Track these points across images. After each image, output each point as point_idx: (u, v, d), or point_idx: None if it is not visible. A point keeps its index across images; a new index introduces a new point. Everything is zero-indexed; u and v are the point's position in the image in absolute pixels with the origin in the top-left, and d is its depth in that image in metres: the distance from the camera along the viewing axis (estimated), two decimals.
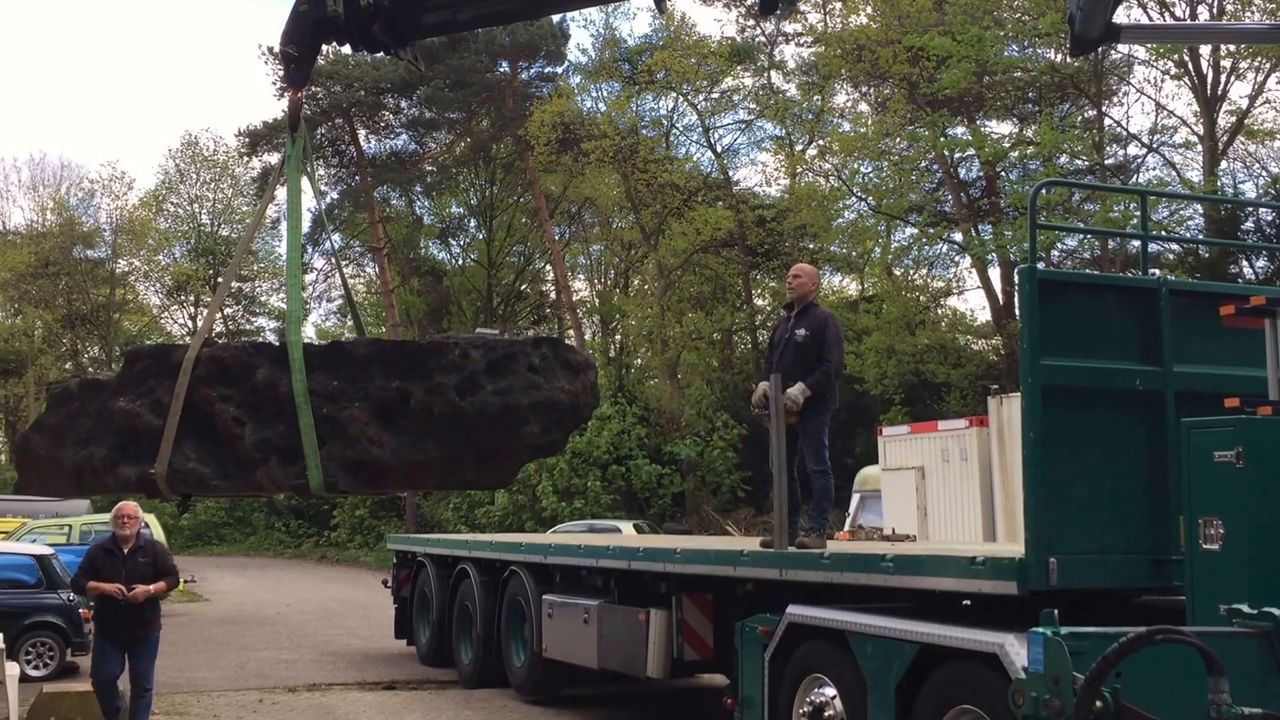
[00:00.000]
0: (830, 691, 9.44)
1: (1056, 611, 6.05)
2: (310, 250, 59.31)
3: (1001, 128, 40.54)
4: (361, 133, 58.03)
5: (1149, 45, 32.89)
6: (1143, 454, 8.42)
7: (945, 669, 8.10)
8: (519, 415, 6.33)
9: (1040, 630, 5.90)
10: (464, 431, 6.33)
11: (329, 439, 6.40)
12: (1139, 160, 38.42)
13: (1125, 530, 8.26)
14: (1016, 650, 7.03)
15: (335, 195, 57.97)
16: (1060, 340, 8.28)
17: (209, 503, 60.23)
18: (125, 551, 12.15)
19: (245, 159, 64.25)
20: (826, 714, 9.47)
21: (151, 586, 12.04)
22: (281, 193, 6.96)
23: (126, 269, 72.82)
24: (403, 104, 57.55)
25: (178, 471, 6.48)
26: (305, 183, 7.21)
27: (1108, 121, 37.45)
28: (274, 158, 58.04)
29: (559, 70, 56.48)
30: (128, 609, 11.91)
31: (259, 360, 6.66)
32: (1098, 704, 5.40)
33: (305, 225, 46.44)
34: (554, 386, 6.48)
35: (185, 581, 34.63)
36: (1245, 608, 6.52)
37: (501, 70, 55.64)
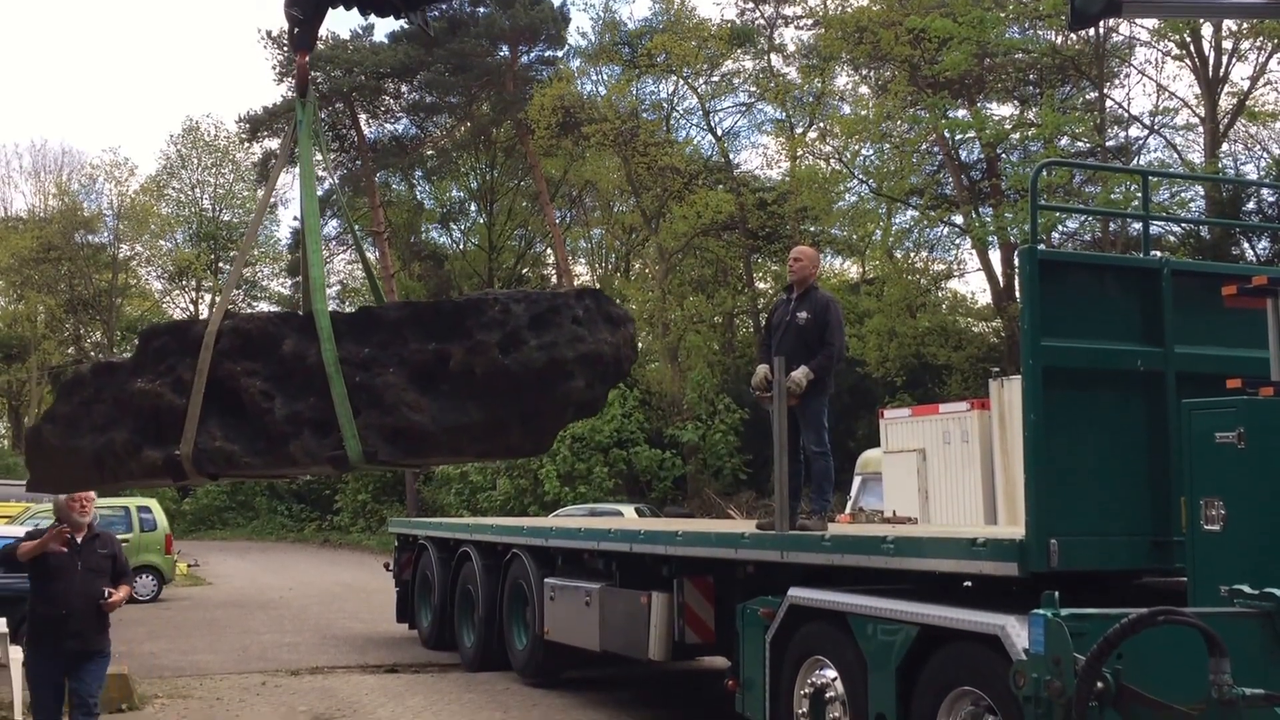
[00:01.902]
0: (831, 673, 9.43)
1: (1058, 593, 6.03)
2: None
3: (1002, 110, 40.57)
4: (362, 117, 58.04)
5: (1150, 23, 32.89)
6: (1144, 435, 8.39)
7: (946, 650, 8.09)
8: (564, 369, 6.04)
9: (1041, 612, 5.89)
10: (509, 391, 6.03)
11: (364, 408, 6.13)
12: (1140, 142, 38.43)
13: (1126, 512, 8.24)
14: (1018, 632, 7.00)
15: (335, 180, 57.99)
16: (1061, 321, 8.25)
17: (210, 487, 60.39)
18: (79, 541, 9.86)
19: (246, 145, 64.55)
20: (827, 695, 9.47)
21: (122, 590, 9.98)
22: (285, 181, 6.77)
23: (128, 254, 73.07)
24: (403, 88, 57.58)
25: (204, 451, 6.21)
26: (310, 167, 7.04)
27: (1109, 103, 37.38)
28: (274, 143, 58.18)
29: (559, 54, 56.60)
30: (82, 613, 9.69)
31: (284, 331, 6.41)
32: (1099, 685, 5.40)
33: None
34: (598, 339, 6.20)
35: (189, 566, 34.90)
36: (1247, 588, 6.52)
37: (502, 54, 55.63)
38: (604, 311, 6.35)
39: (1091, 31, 35.80)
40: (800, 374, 10.92)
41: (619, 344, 6.34)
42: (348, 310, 6.59)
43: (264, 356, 6.36)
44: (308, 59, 6.76)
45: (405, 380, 6.16)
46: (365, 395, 6.14)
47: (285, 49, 56.42)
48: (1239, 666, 5.56)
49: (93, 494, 9.97)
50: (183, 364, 6.40)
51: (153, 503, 30.92)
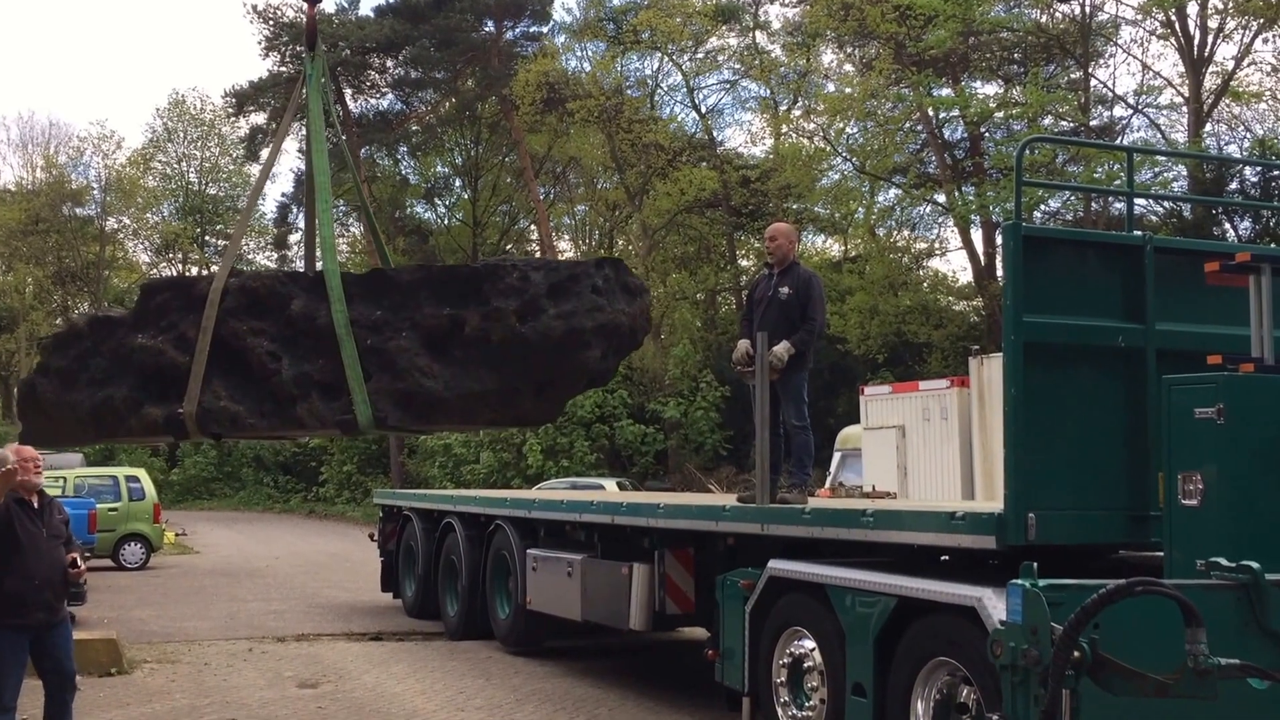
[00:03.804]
0: (810, 644, 9.50)
1: (1035, 564, 6.08)
2: (295, 210, 59.30)
3: (987, 89, 40.60)
4: (347, 92, 57.81)
5: (1135, 0, 32.96)
6: (1123, 411, 8.42)
7: (924, 622, 8.15)
8: (582, 339, 6.01)
9: (1019, 582, 5.92)
10: (524, 359, 5.99)
11: (375, 372, 6.04)
12: (1124, 121, 38.47)
13: (1104, 486, 8.29)
14: (995, 604, 7.04)
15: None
16: (1043, 297, 8.26)
17: (197, 456, 60.78)
18: (37, 506, 9.17)
19: (232, 119, 64.49)
20: (806, 666, 9.55)
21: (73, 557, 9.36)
22: (292, 139, 6.65)
23: (116, 227, 73.53)
24: (388, 64, 57.37)
25: (208, 410, 6.11)
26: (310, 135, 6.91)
27: (1093, 83, 37.43)
28: (260, 118, 58.13)
29: (544, 30, 56.56)
30: (50, 582, 9.17)
31: (293, 290, 6.27)
32: (1075, 654, 5.41)
33: (288, 188, 45.56)
34: (615, 309, 6.19)
35: (177, 534, 35.06)
36: (1224, 561, 6.56)
37: (487, 30, 55.54)
38: (622, 281, 6.26)
39: (1077, 10, 35.91)
40: (782, 349, 10.94)
41: (635, 314, 6.26)
42: (358, 273, 6.42)
43: (271, 316, 6.28)
44: (317, 10, 6.63)
45: (418, 344, 6.09)
46: (376, 359, 6.07)
47: (271, 22, 56.30)
48: (1215, 638, 5.59)
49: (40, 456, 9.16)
50: (185, 321, 6.30)
51: (141, 472, 31.12)
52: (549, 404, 6.17)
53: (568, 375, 6.09)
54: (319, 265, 6.55)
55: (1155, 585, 5.72)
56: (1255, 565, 6.47)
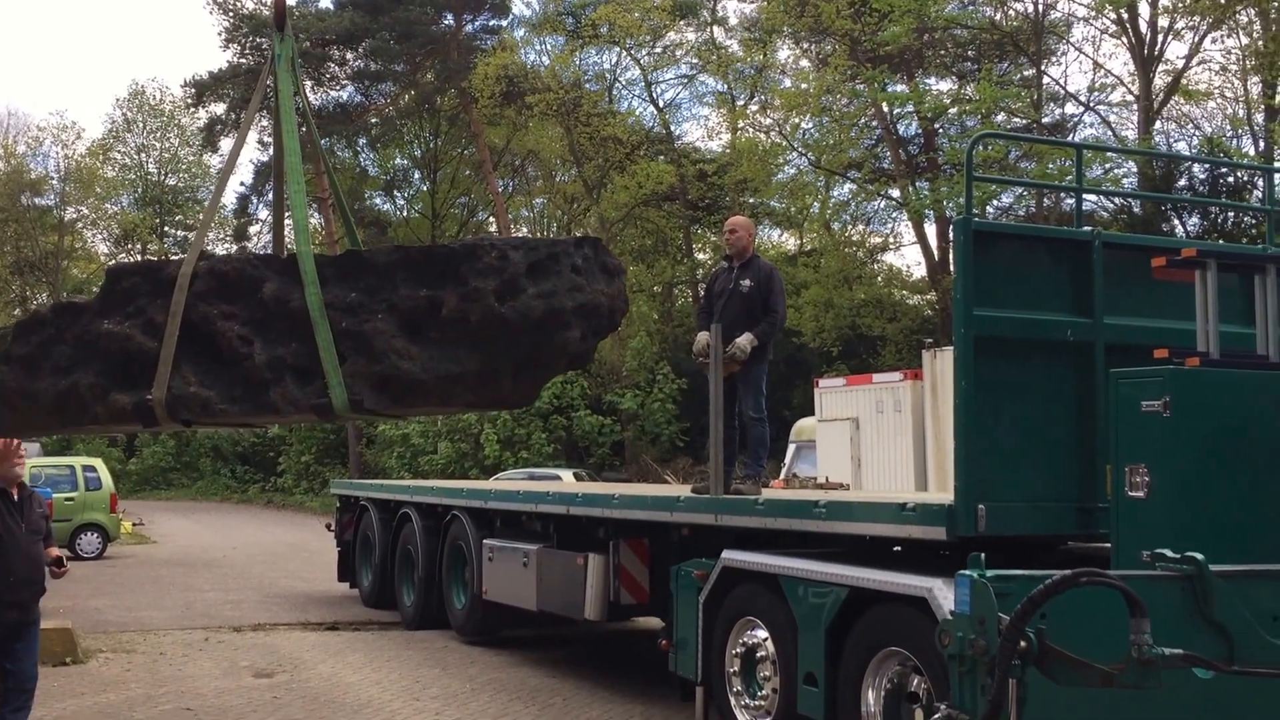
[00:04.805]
0: (762, 633, 9.58)
1: (984, 555, 6.15)
2: (255, 202, 59.03)
3: (941, 85, 40.82)
4: (307, 84, 57.43)
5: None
6: (1072, 404, 8.52)
7: (875, 612, 8.23)
8: (562, 319, 5.87)
9: (967, 572, 5.99)
10: (503, 340, 5.84)
11: (351, 355, 5.88)
12: (1076, 119, 38.81)
13: (1054, 479, 8.39)
14: (945, 594, 7.10)
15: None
16: (994, 291, 8.35)
17: (155, 447, 60.37)
18: (16, 499, 8.85)
19: (191, 109, 63.93)
20: (759, 655, 9.63)
21: (56, 553, 9.12)
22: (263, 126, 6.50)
23: (75, 216, 73.02)
24: (348, 56, 57.08)
25: (178, 396, 5.94)
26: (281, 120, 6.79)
27: (1046, 80, 37.72)
28: (220, 108, 57.78)
29: (503, 23, 56.31)
30: (26, 580, 8.82)
31: (265, 273, 6.14)
32: (1022, 644, 5.47)
33: (248, 178, 45.01)
34: (595, 289, 6.05)
35: (134, 524, 34.92)
36: (1169, 553, 6.65)
37: (446, 23, 55.31)
38: (601, 261, 6.14)
39: (1030, 8, 36.15)
40: (745, 340, 11.04)
41: (614, 295, 6.13)
42: (332, 255, 6.31)
43: (243, 299, 6.13)
44: None
45: (395, 326, 5.95)
46: (352, 341, 5.93)
47: (231, 14, 55.98)
48: (1160, 628, 5.67)
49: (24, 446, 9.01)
50: (154, 305, 6.14)
51: (98, 462, 31.06)
52: (527, 386, 6.05)
53: (547, 356, 5.94)
54: (288, 248, 6.49)
55: (1100, 576, 5.80)
56: (1199, 556, 6.56)
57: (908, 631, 7.85)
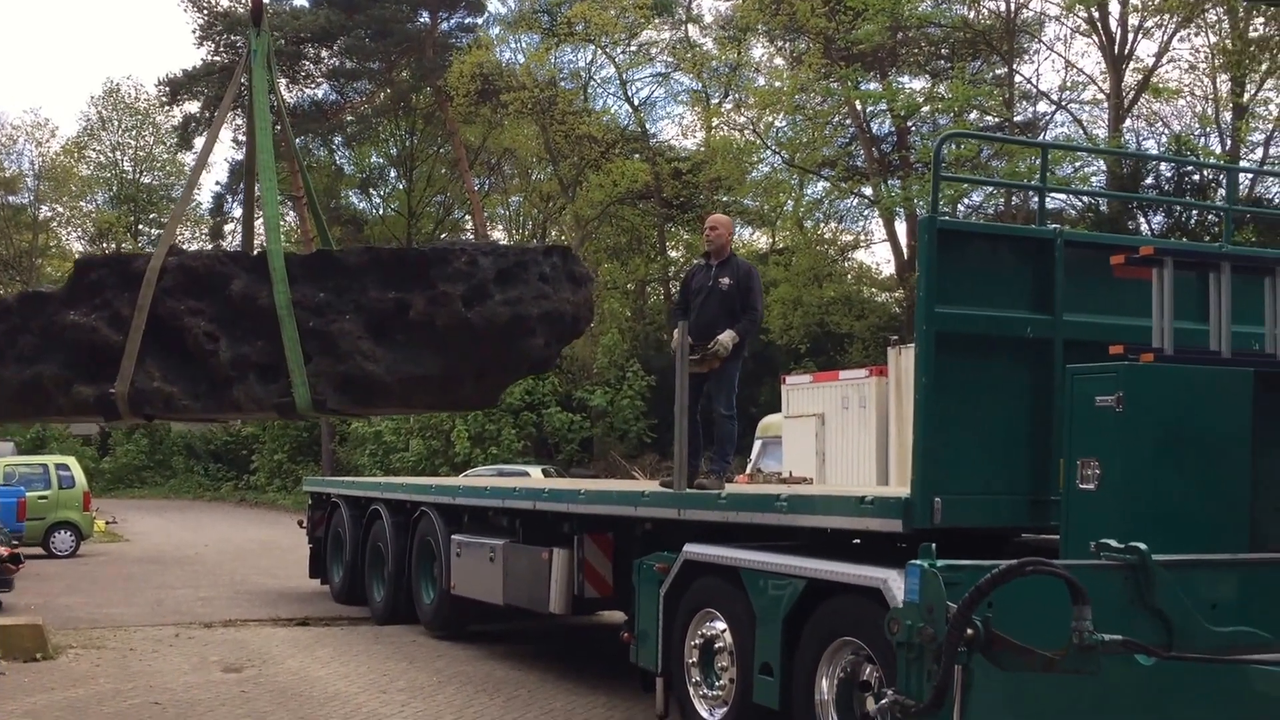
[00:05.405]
0: (721, 625, 9.67)
1: (934, 545, 6.24)
2: (230, 200, 58.85)
3: (914, 84, 40.97)
4: (282, 82, 57.37)
5: None
6: (1030, 400, 8.60)
7: (831, 603, 8.33)
8: (527, 326, 5.95)
9: (917, 562, 6.08)
10: (468, 344, 5.91)
11: (316, 354, 5.92)
12: (1048, 117, 39.02)
13: (1009, 472, 8.48)
14: (899, 585, 7.18)
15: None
16: (956, 289, 8.42)
17: (129, 445, 60.23)
18: None
19: (166, 108, 63.77)
20: (717, 646, 9.73)
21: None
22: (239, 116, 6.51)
23: (49, 215, 73.22)
24: (323, 54, 56.98)
25: (141, 391, 5.97)
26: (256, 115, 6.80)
27: (1018, 78, 37.91)
28: (194, 106, 57.59)
29: (479, 21, 56.36)
30: None
31: (234, 270, 6.15)
32: (969, 631, 5.55)
33: (223, 177, 44.71)
34: (560, 297, 6.13)
35: (106, 523, 34.91)
36: (1113, 542, 6.75)
37: (422, 21, 55.30)
38: (569, 270, 6.17)
39: (1002, 7, 36.33)
40: (727, 337, 11.17)
41: (579, 304, 6.17)
42: (302, 253, 6.33)
43: (210, 296, 6.13)
44: None
45: (361, 327, 5.99)
46: (318, 341, 5.95)
47: (205, 11, 55.82)
48: (1104, 616, 5.76)
49: None
50: (120, 299, 6.14)
51: (71, 460, 31.10)
52: (489, 389, 6.13)
53: (510, 362, 6.04)
54: (259, 246, 6.50)
55: (1045, 565, 5.91)
56: (1143, 546, 6.65)
57: (862, 622, 7.95)
